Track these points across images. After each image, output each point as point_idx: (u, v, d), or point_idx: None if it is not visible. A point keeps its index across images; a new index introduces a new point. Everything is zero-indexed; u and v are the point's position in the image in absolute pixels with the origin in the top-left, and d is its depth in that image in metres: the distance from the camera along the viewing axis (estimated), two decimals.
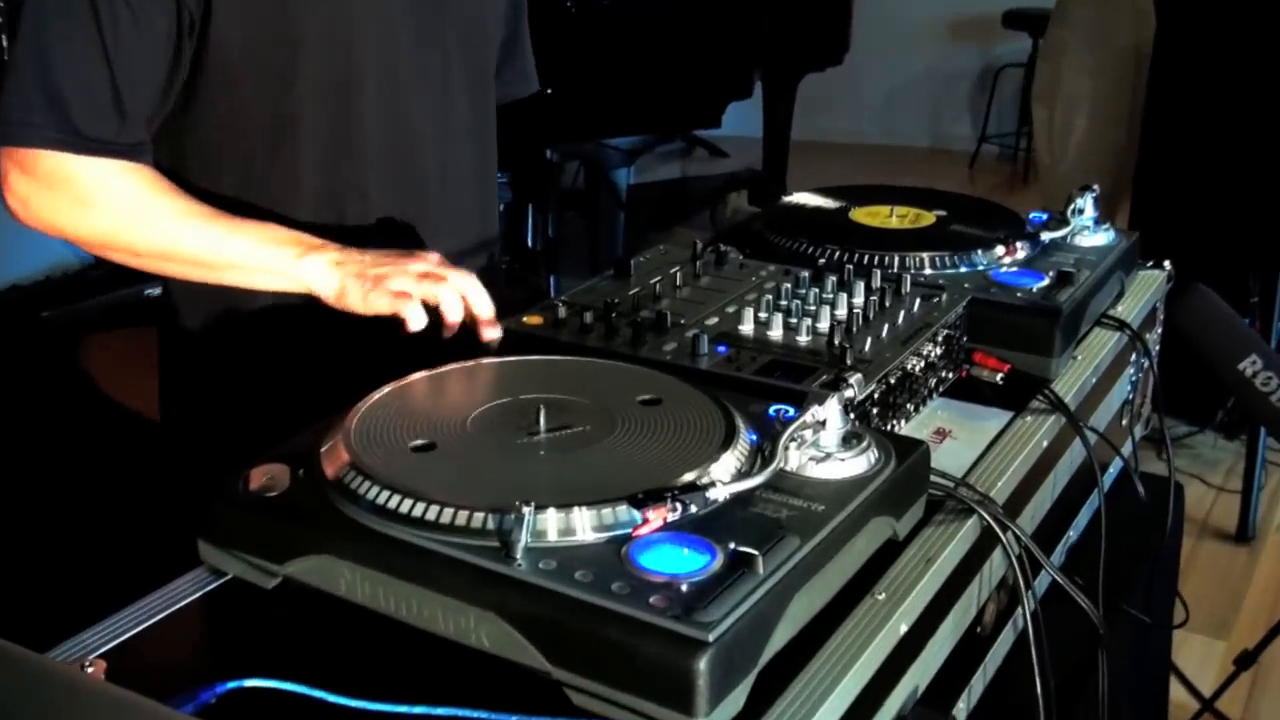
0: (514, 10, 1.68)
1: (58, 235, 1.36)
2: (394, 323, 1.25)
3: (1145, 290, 1.63)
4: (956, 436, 1.25)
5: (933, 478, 1.08)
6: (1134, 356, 1.57)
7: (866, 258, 1.44)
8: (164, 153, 1.39)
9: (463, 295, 1.26)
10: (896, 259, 1.44)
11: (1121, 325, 1.51)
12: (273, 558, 0.94)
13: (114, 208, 1.32)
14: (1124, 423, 1.58)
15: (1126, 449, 1.57)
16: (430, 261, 1.29)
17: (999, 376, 1.33)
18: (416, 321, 1.24)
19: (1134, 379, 1.59)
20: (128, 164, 1.32)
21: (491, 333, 1.26)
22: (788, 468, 0.96)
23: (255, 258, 1.32)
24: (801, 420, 0.98)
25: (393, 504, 0.91)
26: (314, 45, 1.37)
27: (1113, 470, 1.52)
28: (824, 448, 0.98)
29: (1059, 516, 1.35)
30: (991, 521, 1.08)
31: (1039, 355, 1.34)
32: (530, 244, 4.29)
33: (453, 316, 1.26)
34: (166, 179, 1.35)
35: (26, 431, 2.64)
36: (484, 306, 1.27)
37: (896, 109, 6.78)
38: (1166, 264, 1.70)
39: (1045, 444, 1.27)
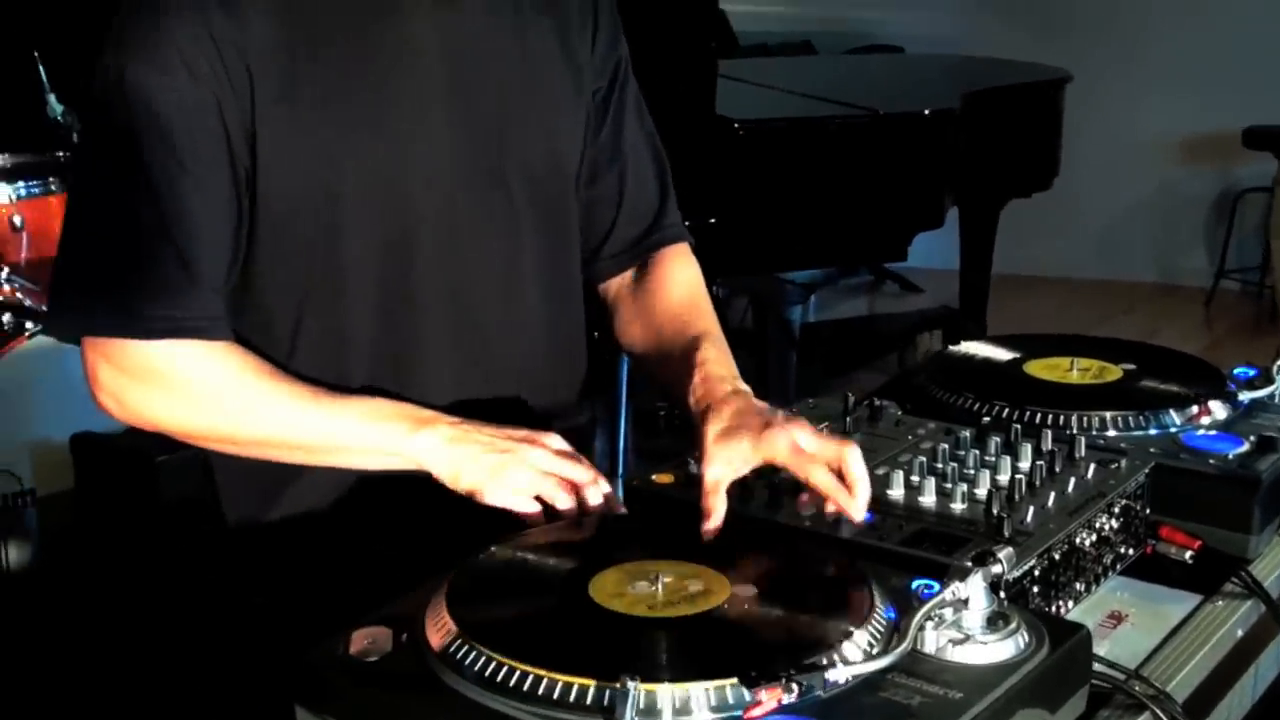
0: (639, 126, 1.68)
1: (156, 430, 1.44)
2: None
3: None
4: (1134, 621, 1.26)
5: (1100, 667, 1.10)
6: None
7: (1039, 416, 1.47)
8: None
9: (580, 486, 1.34)
10: (1074, 418, 1.47)
11: None
12: None
13: (205, 397, 1.40)
14: None
15: None
16: (550, 449, 1.36)
17: (1188, 554, 1.34)
18: (529, 511, 1.32)
19: None
20: (209, 345, 1.39)
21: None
22: (924, 649, 1.00)
23: (365, 439, 1.39)
24: (940, 597, 1.02)
25: (497, 674, 0.97)
26: (362, 196, 1.42)
27: None
28: (966, 629, 1.01)
29: None
30: None
31: (1235, 531, 1.35)
32: None
33: (564, 505, 1.33)
34: (254, 355, 1.42)
35: (137, 577, 2.80)
36: (597, 497, 1.34)
37: (1119, 238, 6.73)
38: None
39: (1240, 633, 1.27)
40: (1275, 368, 1.54)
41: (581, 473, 1.34)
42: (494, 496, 1.33)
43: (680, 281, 1.67)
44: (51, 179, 3.52)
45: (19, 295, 3.15)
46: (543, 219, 1.55)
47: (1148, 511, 1.37)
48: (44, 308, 3.11)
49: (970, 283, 4.98)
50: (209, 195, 1.37)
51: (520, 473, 1.33)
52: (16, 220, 3.40)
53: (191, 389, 1.39)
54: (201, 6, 1.35)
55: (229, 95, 1.36)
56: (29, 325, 2.98)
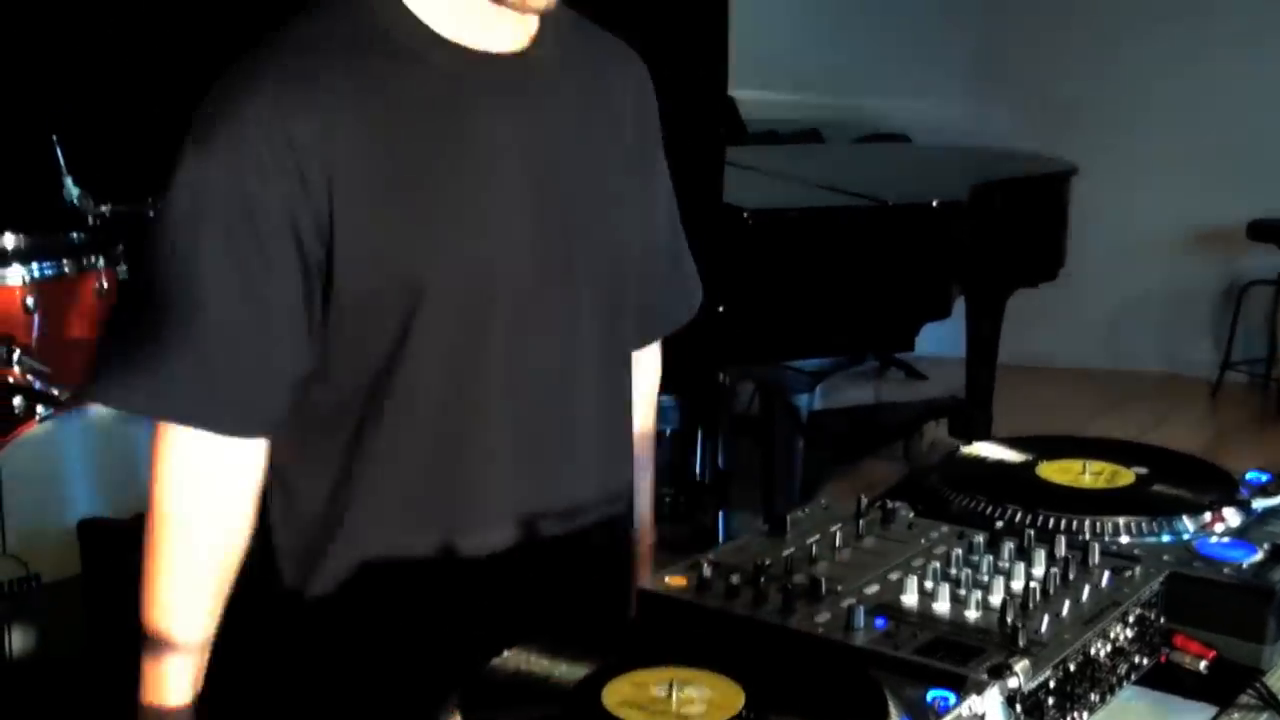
0: (669, 227, 1.74)
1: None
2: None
3: None
4: None
5: None
6: None
7: (1052, 521, 1.47)
8: None
9: None
10: (1086, 523, 1.47)
11: None
12: None
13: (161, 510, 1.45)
14: None
15: None
16: None
17: (1202, 664, 1.34)
18: None
19: None
20: (211, 505, 1.46)
21: None
22: None
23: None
24: (957, 713, 1.01)
25: None
26: (441, 291, 1.44)
27: None
28: None
29: None
30: None
31: (1249, 642, 1.34)
32: (698, 475, 4.38)
33: None
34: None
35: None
36: None
37: (1125, 329, 6.76)
38: None
39: None
40: None
41: None
42: None
43: (647, 395, 1.79)
44: (65, 261, 3.55)
45: (29, 378, 3.16)
46: (602, 312, 1.58)
47: (1161, 620, 1.36)
48: (54, 390, 3.12)
49: (976, 372, 5.00)
50: (268, 294, 1.40)
51: None
52: (29, 302, 3.42)
53: (161, 510, 1.45)
54: (283, 111, 1.38)
55: (301, 198, 1.38)
56: (39, 409, 2.99)
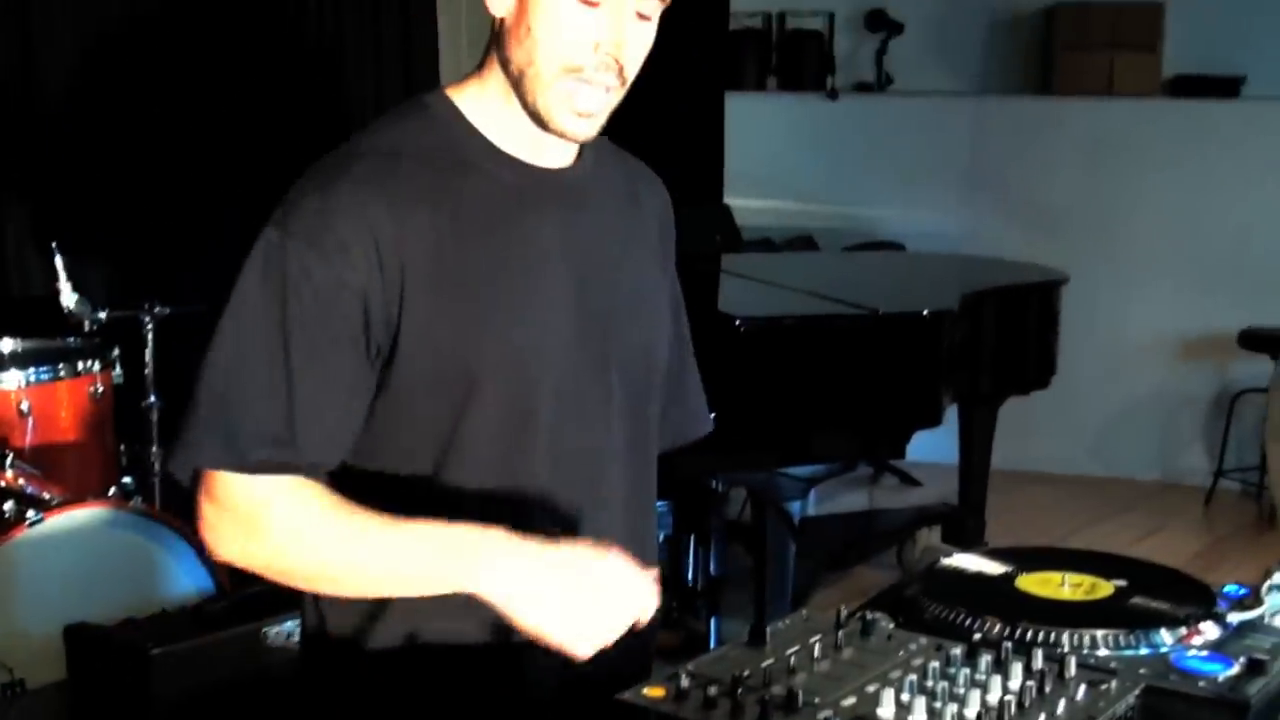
0: (678, 345, 1.84)
1: (240, 566, 1.54)
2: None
3: None
4: None
5: None
6: None
7: (1030, 633, 1.48)
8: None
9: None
10: (1065, 635, 1.48)
11: None
12: None
13: (287, 534, 1.50)
14: None
15: None
16: (624, 587, 1.48)
17: None
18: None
19: None
20: (294, 480, 1.51)
21: None
22: None
23: (438, 568, 1.49)
24: None
25: None
26: (493, 376, 1.56)
27: None
28: None
29: None
30: None
31: None
32: (690, 581, 4.36)
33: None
34: (334, 494, 1.53)
35: None
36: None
37: (1118, 437, 6.76)
38: None
39: None
40: (1264, 588, 1.55)
41: (646, 609, 1.49)
42: (565, 637, 1.44)
43: None
44: (61, 365, 3.57)
45: (21, 482, 3.17)
46: (633, 406, 1.70)
47: None
48: (45, 495, 3.13)
49: (969, 479, 4.99)
50: (331, 370, 1.51)
51: (598, 622, 1.45)
52: (24, 406, 3.44)
53: (274, 527, 1.50)
54: (366, 203, 1.51)
55: (377, 285, 1.51)
56: (30, 513, 2.99)
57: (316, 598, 1.62)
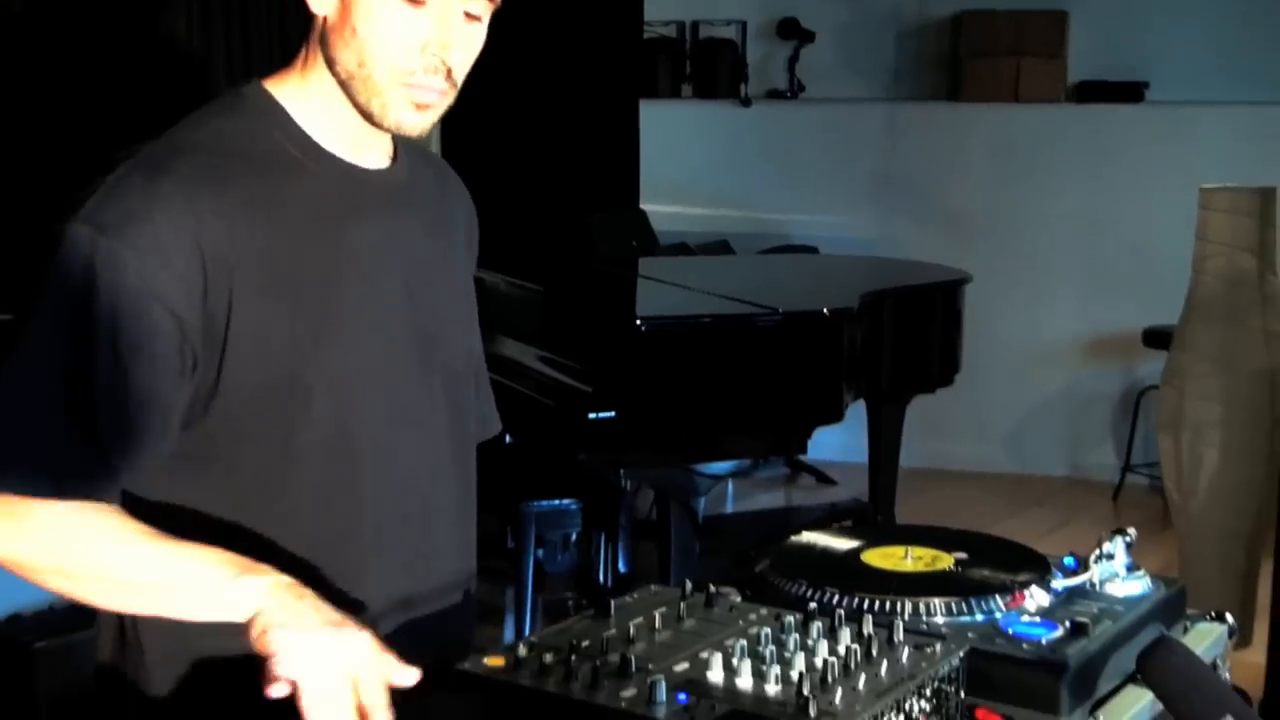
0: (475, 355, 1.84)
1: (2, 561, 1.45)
2: None
3: (1198, 645, 1.67)
4: None
5: None
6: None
7: (866, 602, 1.52)
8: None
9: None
10: (900, 604, 1.52)
11: None
12: None
13: (47, 530, 1.42)
14: None
15: None
16: (359, 655, 1.34)
17: None
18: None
19: None
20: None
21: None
22: None
23: (193, 578, 1.41)
24: None
25: None
26: (326, 386, 1.53)
27: None
28: None
29: None
30: None
31: (1046, 714, 1.39)
32: (600, 579, 4.39)
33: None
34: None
35: None
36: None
37: (1029, 435, 6.87)
38: (1229, 617, 1.74)
39: None
40: (1093, 557, 1.60)
41: (380, 696, 1.34)
42: (301, 665, 1.31)
43: None
44: None
45: None
46: (455, 409, 1.70)
47: (963, 695, 1.41)
48: None
49: (878, 476, 5.05)
50: (141, 381, 1.43)
51: (341, 659, 1.32)
52: None
53: (43, 524, 1.42)
54: (193, 206, 1.45)
55: (198, 292, 1.45)
56: None
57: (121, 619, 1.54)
